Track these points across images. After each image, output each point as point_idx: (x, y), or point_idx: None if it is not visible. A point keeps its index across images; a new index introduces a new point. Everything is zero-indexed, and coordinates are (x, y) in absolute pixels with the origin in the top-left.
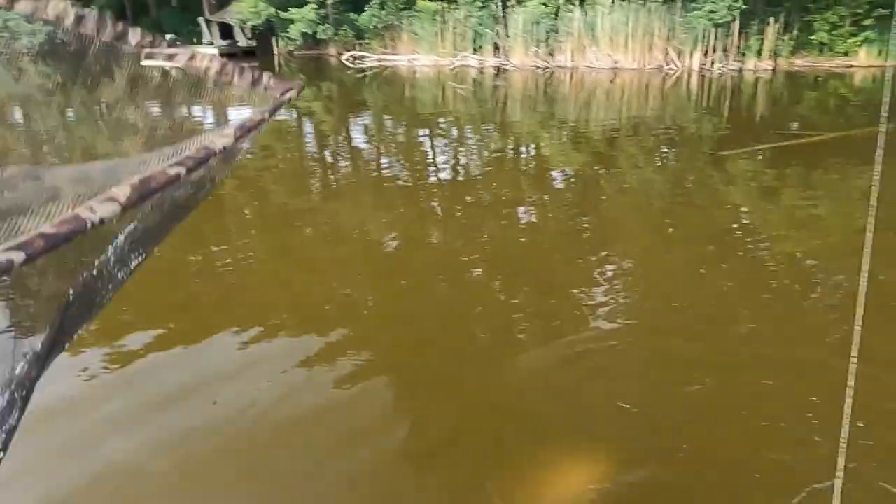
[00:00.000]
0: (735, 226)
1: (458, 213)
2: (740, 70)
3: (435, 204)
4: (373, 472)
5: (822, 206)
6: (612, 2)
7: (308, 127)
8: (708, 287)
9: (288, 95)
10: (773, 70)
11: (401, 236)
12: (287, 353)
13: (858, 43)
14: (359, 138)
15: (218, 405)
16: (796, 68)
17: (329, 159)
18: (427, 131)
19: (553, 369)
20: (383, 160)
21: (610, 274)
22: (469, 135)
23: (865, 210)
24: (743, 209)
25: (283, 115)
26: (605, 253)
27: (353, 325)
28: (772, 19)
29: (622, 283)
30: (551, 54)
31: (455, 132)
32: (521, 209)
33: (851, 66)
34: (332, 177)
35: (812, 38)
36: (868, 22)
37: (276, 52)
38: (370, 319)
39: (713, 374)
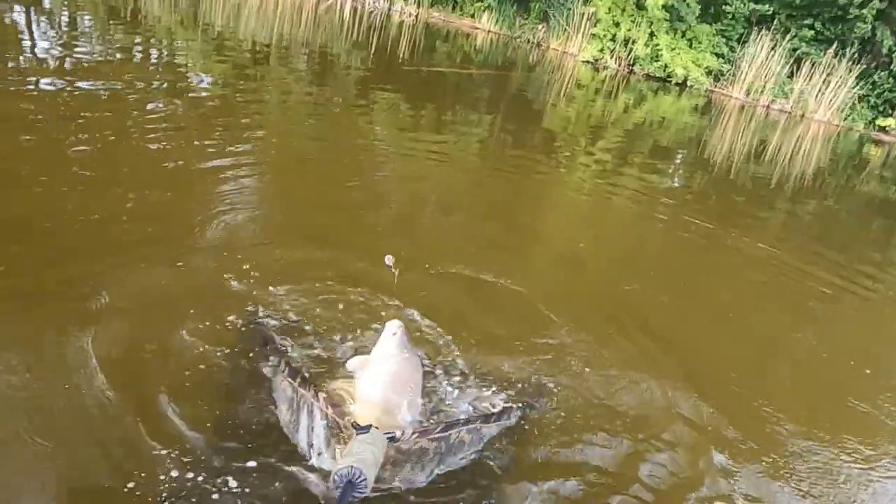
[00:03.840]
0: (365, 145)
1: (63, 103)
2: (389, 10)
3: (33, 94)
4: None
5: (448, 140)
6: None
7: None
8: (337, 200)
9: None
10: (416, 17)
11: None
12: None
13: (482, 8)
14: None
15: None
16: (434, 20)
17: None
18: (25, 9)
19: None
20: None
21: (237, 188)
22: (87, 22)
23: (484, 141)
24: (379, 133)
25: None
26: (235, 169)
27: None
28: None
29: (247, 199)
30: None
31: (66, 16)
32: (151, 112)
33: (476, 28)
34: None
35: None
36: None
37: None
38: None
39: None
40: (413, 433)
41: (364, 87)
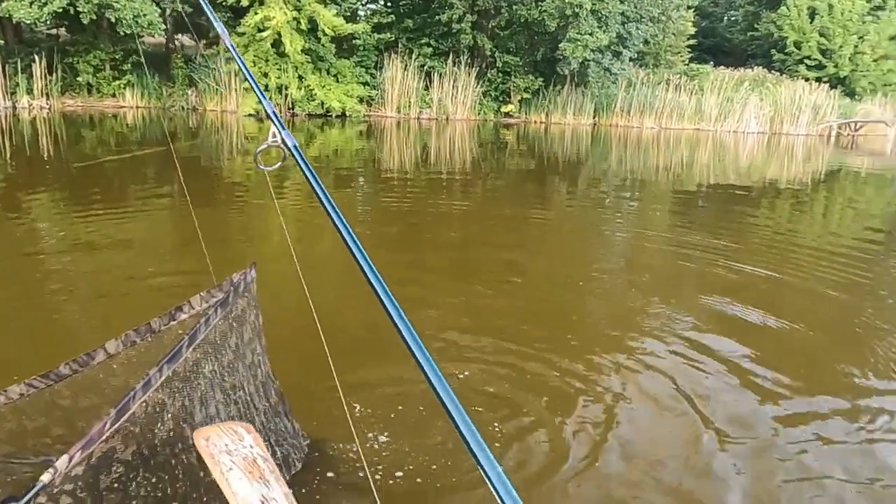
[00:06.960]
0: (34, 250)
1: None
2: (14, 108)
3: None
4: None
5: (135, 220)
6: None
7: None
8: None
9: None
10: (50, 109)
11: None
12: None
13: (122, 86)
14: None
15: None
16: (70, 108)
17: None
18: None
19: None
20: None
21: None
22: None
23: (173, 209)
24: (47, 237)
25: None
26: None
27: None
28: (36, 58)
29: None
30: None
31: None
32: None
33: (122, 107)
34: None
35: (79, 79)
36: (126, 67)
37: None
38: None
39: None
40: (70, 457)
41: (10, 197)
